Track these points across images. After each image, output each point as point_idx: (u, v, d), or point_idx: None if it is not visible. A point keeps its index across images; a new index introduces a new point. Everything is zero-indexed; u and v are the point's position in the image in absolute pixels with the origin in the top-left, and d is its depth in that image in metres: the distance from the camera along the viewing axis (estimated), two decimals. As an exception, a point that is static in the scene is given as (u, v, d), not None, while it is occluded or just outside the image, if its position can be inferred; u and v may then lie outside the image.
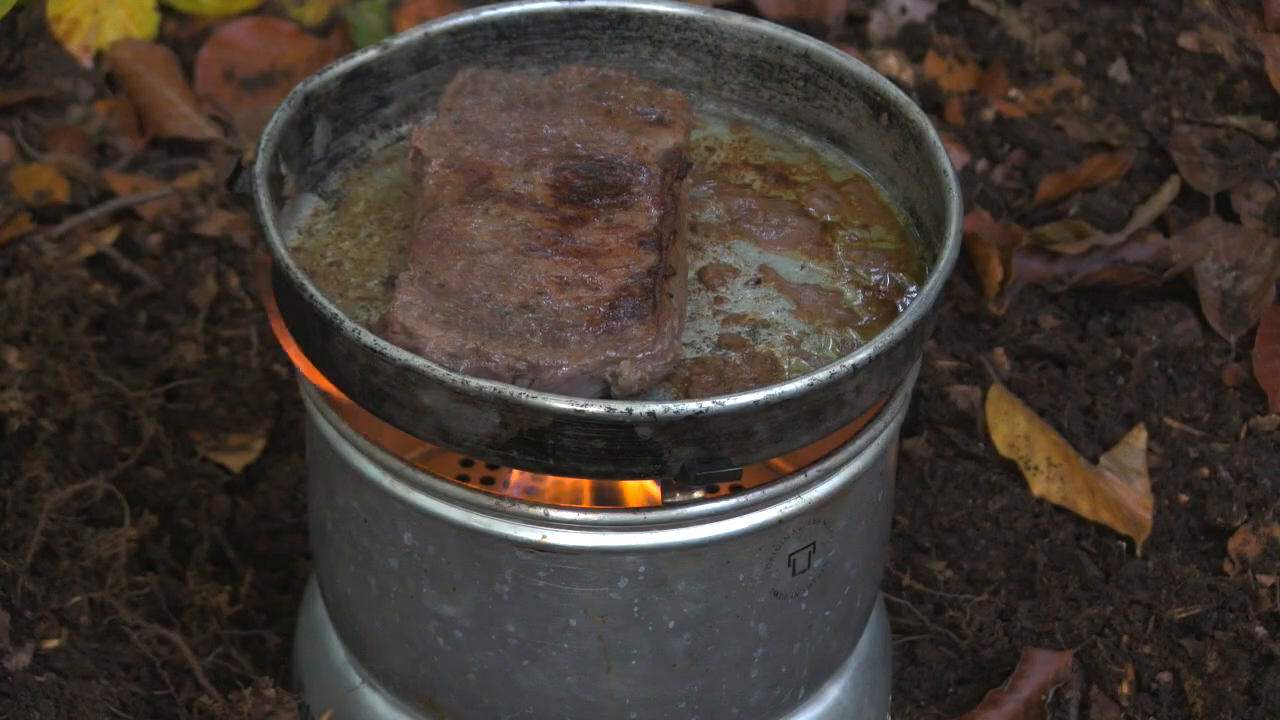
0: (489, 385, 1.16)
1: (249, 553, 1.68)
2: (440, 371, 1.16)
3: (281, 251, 1.23)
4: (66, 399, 1.72)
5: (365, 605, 1.36)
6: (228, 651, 1.59)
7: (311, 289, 1.20)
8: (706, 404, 1.16)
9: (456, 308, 1.21)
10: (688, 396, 1.22)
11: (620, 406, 1.15)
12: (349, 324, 1.19)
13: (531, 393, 1.16)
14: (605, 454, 1.18)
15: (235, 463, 1.74)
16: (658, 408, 1.15)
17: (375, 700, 1.43)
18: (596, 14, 1.42)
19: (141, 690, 1.53)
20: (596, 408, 1.15)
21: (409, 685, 1.37)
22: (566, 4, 1.42)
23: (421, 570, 1.30)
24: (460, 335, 1.19)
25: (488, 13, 1.41)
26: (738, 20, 1.42)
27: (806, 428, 1.21)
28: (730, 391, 1.20)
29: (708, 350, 1.26)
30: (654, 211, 1.27)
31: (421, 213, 1.28)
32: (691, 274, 1.32)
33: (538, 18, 1.42)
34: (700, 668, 1.32)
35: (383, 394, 1.20)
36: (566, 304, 1.21)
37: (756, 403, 1.17)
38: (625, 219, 1.27)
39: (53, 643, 1.54)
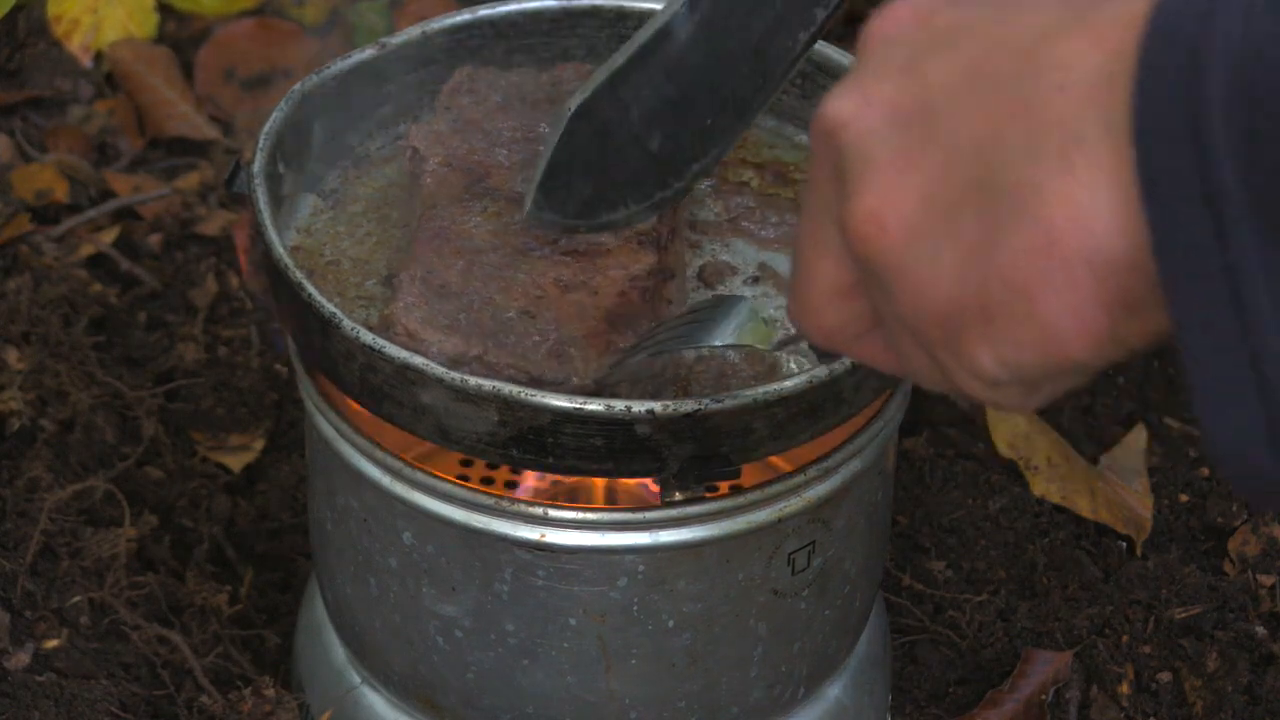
0: (488, 383, 1.16)
1: (249, 553, 1.68)
2: (439, 370, 1.16)
3: (280, 251, 1.23)
4: (66, 399, 1.72)
5: (365, 605, 1.36)
6: (228, 651, 1.59)
7: (310, 288, 1.20)
8: (705, 402, 1.16)
9: (458, 310, 1.21)
10: (687, 395, 1.22)
11: (619, 404, 1.15)
12: (348, 323, 1.19)
13: (530, 391, 1.15)
14: (604, 452, 1.18)
15: (235, 463, 1.74)
16: (657, 405, 1.15)
17: (375, 700, 1.43)
18: (594, 12, 1.42)
19: (141, 690, 1.53)
20: (595, 405, 1.15)
21: (409, 685, 1.37)
22: (564, 3, 1.42)
23: (421, 570, 1.30)
24: (463, 341, 1.19)
25: (485, 12, 1.41)
26: (737, 19, 1.41)
27: (806, 425, 1.21)
28: (729, 389, 1.20)
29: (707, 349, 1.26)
30: (653, 210, 1.27)
31: (420, 212, 1.28)
32: (690, 272, 1.31)
33: (535, 16, 1.41)
34: (700, 667, 1.32)
35: (382, 393, 1.20)
36: (566, 309, 1.21)
37: (755, 400, 1.17)
38: (624, 218, 1.27)
39: (53, 643, 1.53)
